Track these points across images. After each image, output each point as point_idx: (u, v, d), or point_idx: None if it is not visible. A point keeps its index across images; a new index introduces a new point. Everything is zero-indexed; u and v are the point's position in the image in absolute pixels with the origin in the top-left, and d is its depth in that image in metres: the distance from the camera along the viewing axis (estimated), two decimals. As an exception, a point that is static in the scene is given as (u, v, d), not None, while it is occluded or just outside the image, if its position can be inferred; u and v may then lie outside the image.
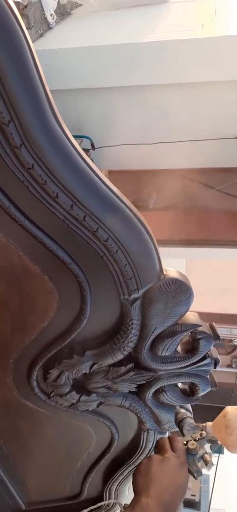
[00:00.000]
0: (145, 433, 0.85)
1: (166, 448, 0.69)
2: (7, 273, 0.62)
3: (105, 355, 0.70)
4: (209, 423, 0.71)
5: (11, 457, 0.94)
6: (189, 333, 0.71)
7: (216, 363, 0.75)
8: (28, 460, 0.97)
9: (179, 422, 0.74)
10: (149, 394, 0.79)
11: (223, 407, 0.73)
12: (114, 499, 0.98)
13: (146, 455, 0.83)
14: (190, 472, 0.70)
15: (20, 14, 0.44)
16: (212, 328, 0.72)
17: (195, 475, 0.70)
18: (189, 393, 0.82)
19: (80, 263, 0.60)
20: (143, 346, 0.69)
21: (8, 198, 0.52)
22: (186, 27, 1.93)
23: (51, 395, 0.79)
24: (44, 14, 2.15)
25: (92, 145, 2.18)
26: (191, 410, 0.84)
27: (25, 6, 1.95)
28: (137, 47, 1.90)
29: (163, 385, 0.78)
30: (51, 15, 2.18)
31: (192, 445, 0.70)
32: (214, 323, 0.73)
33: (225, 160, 2.22)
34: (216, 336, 0.71)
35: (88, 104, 2.18)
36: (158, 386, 0.78)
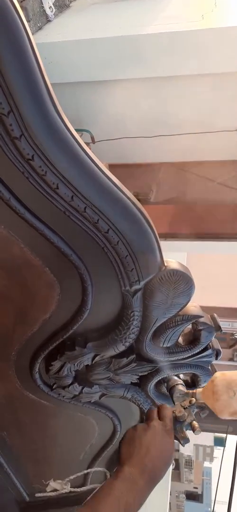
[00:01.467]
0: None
1: (153, 417, 0.67)
2: (8, 265, 0.62)
3: (107, 346, 0.70)
4: (199, 389, 0.71)
5: (14, 449, 0.95)
6: (191, 324, 0.71)
7: (217, 354, 0.75)
8: (31, 452, 0.98)
9: (170, 390, 0.74)
10: (151, 385, 0.80)
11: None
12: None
13: None
14: (176, 439, 0.69)
15: (19, 7, 0.43)
16: (213, 319, 0.72)
17: (182, 442, 0.70)
18: (191, 384, 0.82)
19: (81, 255, 0.60)
20: (145, 337, 0.69)
21: (8, 190, 0.52)
22: (186, 18, 1.92)
23: (54, 387, 0.79)
24: (43, 6, 2.14)
25: (92, 138, 2.18)
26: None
27: (24, -1, 1.94)
28: (137, 39, 1.88)
29: (165, 376, 0.78)
30: (50, 8, 2.16)
31: (179, 412, 0.69)
32: (215, 314, 0.73)
33: (226, 153, 2.21)
34: (218, 327, 0.71)
35: (88, 97, 2.17)
36: (160, 377, 0.79)
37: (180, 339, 0.73)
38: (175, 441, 0.70)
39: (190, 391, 0.72)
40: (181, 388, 0.73)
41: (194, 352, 0.73)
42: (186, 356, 0.74)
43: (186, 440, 0.69)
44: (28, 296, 0.66)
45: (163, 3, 2.20)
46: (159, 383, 0.81)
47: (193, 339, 0.73)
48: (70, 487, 0.86)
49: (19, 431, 0.92)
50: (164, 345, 0.72)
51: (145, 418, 0.70)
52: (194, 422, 0.69)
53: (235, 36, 1.79)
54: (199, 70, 1.92)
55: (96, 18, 2.22)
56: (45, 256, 0.61)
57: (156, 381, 0.79)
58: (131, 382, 0.79)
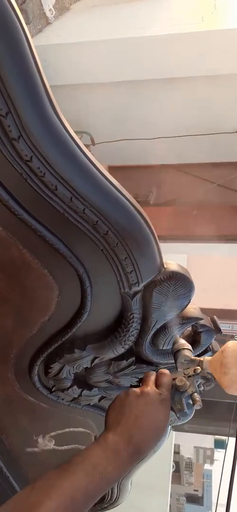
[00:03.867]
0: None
1: (149, 382, 0.60)
2: (7, 267, 0.62)
3: (106, 349, 0.70)
4: (207, 358, 0.62)
5: (13, 452, 0.95)
6: (191, 327, 0.70)
7: (217, 356, 0.74)
8: (30, 454, 0.98)
9: (175, 353, 0.65)
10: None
11: (227, 402, 0.71)
12: (117, 493, 0.98)
13: None
14: (173, 410, 0.60)
15: (19, 9, 0.43)
16: (213, 321, 0.72)
17: (178, 415, 0.61)
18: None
19: (80, 257, 0.59)
20: (144, 339, 0.69)
21: (7, 191, 0.52)
22: (186, 20, 1.92)
23: (53, 390, 0.79)
24: (43, 9, 2.14)
25: (92, 140, 2.18)
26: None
27: (24, 1, 1.94)
28: (137, 42, 1.89)
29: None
30: (50, 10, 2.17)
31: (180, 381, 0.60)
32: (215, 317, 0.73)
33: (225, 154, 2.21)
34: (217, 330, 0.71)
35: (88, 100, 2.17)
36: (160, 380, 0.78)
37: (180, 342, 0.73)
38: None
39: (197, 358, 0.63)
40: (187, 353, 0.64)
41: (194, 355, 0.73)
42: (186, 358, 0.73)
43: (183, 413, 0.61)
44: (27, 298, 0.66)
45: (163, 6, 2.21)
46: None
47: (193, 341, 0.73)
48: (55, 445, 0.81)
49: (18, 434, 0.91)
50: (164, 347, 0.71)
51: (141, 382, 0.62)
52: (195, 394, 0.60)
53: (235, 38, 1.79)
54: (199, 72, 1.92)
55: (96, 20, 2.23)
56: (44, 258, 0.60)
57: (155, 383, 0.79)
58: (131, 384, 0.79)
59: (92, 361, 0.73)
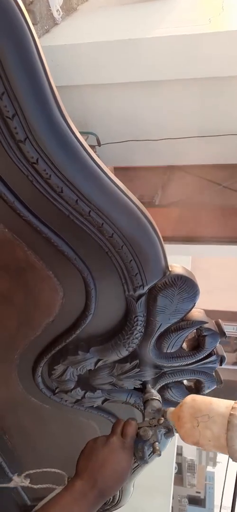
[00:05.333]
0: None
1: (116, 431, 0.66)
2: (11, 268, 0.62)
3: (110, 351, 0.70)
4: (170, 409, 0.66)
5: (16, 452, 0.95)
6: (195, 330, 0.70)
7: (222, 360, 0.74)
8: (33, 455, 0.98)
9: (145, 402, 0.71)
10: (151, 383, 0.79)
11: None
12: (119, 495, 0.98)
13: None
14: (135, 457, 0.65)
15: (26, 10, 0.43)
16: (218, 325, 0.71)
17: (139, 462, 0.66)
18: (195, 390, 0.81)
19: (84, 259, 0.59)
20: (148, 342, 0.69)
21: (12, 193, 0.52)
22: (193, 22, 1.92)
23: (56, 391, 0.79)
24: (50, 9, 2.15)
25: (98, 141, 2.18)
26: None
27: (31, 2, 1.94)
28: (144, 43, 1.88)
29: (168, 382, 0.78)
30: (57, 11, 2.17)
31: (143, 431, 0.65)
32: (220, 320, 0.73)
33: (231, 156, 2.20)
34: (222, 333, 0.70)
35: (94, 100, 2.17)
36: (164, 383, 0.78)
37: (184, 345, 0.73)
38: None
39: (163, 409, 0.68)
40: (155, 404, 0.70)
41: (198, 358, 0.73)
42: (190, 362, 0.73)
43: (143, 461, 0.66)
44: (31, 299, 0.66)
45: (170, 7, 2.20)
46: (162, 389, 0.80)
47: (197, 345, 0.72)
48: (30, 483, 0.84)
49: (21, 434, 0.92)
50: (168, 351, 0.71)
51: (111, 430, 0.68)
52: (155, 443, 0.64)
53: (242, 40, 1.78)
54: (206, 73, 1.92)
55: (103, 21, 2.23)
56: (49, 259, 0.60)
57: (159, 386, 0.78)
58: (134, 387, 0.78)
59: (96, 363, 0.73)
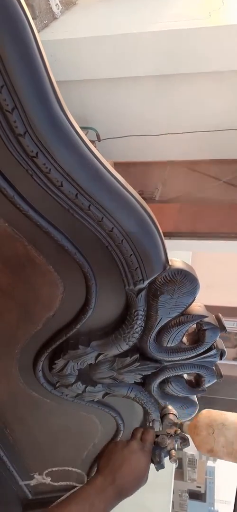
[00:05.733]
0: (151, 424, 0.85)
1: (136, 436, 0.72)
2: (12, 263, 0.62)
3: (110, 345, 0.70)
4: (187, 422, 0.73)
5: (17, 446, 0.95)
6: (195, 324, 0.70)
7: (222, 354, 0.74)
8: (34, 449, 0.98)
9: (162, 417, 0.78)
10: (155, 385, 0.79)
11: (229, 400, 0.73)
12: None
13: None
14: (152, 462, 0.72)
15: (25, 4, 0.43)
16: (218, 319, 0.71)
17: (156, 466, 0.72)
18: (195, 384, 0.81)
19: (85, 253, 0.59)
20: (149, 336, 0.69)
21: (12, 187, 0.51)
22: (193, 16, 1.91)
23: (57, 386, 0.79)
24: (49, 4, 2.14)
25: (98, 136, 2.17)
26: (197, 401, 0.84)
27: (30, -4, 1.93)
28: (143, 37, 1.87)
29: (169, 376, 0.78)
30: (56, 5, 2.16)
31: (161, 439, 0.72)
32: (220, 314, 0.73)
33: (232, 151, 2.19)
34: (222, 327, 0.71)
35: (94, 95, 2.16)
36: (164, 377, 0.78)
37: (184, 339, 0.73)
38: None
39: (179, 421, 0.75)
40: (172, 417, 0.76)
41: (198, 352, 0.73)
42: (190, 356, 0.73)
43: (160, 465, 0.72)
44: (32, 294, 0.66)
45: (169, 0, 2.19)
46: (162, 383, 0.80)
47: (197, 339, 0.72)
48: (73, 485, 0.87)
49: (22, 429, 0.92)
50: (168, 345, 0.71)
51: (131, 435, 0.73)
52: (172, 451, 0.71)
53: (243, 34, 1.77)
54: (206, 68, 1.91)
55: (102, 15, 2.22)
56: (49, 254, 0.60)
57: (159, 380, 0.79)
58: (135, 381, 0.79)
59: (96, 357, 0.73)
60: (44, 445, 0.97)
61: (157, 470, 0.73)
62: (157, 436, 0.73)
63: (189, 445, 0.74)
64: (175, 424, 0.75)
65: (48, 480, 0.85)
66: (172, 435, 0.73)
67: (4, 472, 0.98)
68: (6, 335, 0.73)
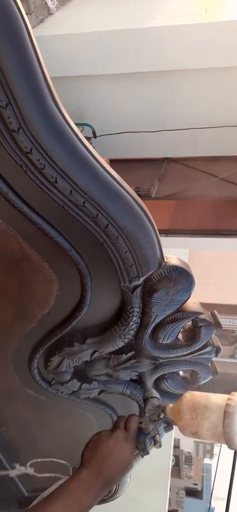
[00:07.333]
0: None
1: (119, 425, 0.71)
2: (6, 260, 0.62)
3: (106, 342, 0.70)
4: (169, 405, 0.72)
5: (13, 444, 0.95)
6: (191, 321, 0.70)
7: (217, 351, 0.74)
8: (30, 447, 0.98)
9: (145, 400, 0.76)
10: (151, 382, 0.79)
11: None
12: (116, 486, 0.98)
13: None
14: (137, 448, 0.72)
15: (20, -1, 0.43)
16: (213, 316, 0.72)
17: (141, 453, 0.73)
18: (190, 381, 0.81)
19: (80, 250, 0.59)
20: (144, 333, 0.69)
21: (6, 183, 0.51)
22: (190, 12, 1.90)
23: (52, 383, 0.79)
24: None
25: (94, 133, 2.16)
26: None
27: (26, -8, 1.92)
28: (140, 33, 1.87)
29: (165, 373, 0.78)
30: (51, 1, 2.15)
31: (145, 425, 0.72)
32: (215, 311, 0.73)
33: (228, 148, 2.19)
34: (218, 324, 0.71)
35: (90, 92, 2.16)
36: (160, 374, 0.78)
37: (180, 336, 0.73)
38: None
39: (162, 405, 0.74)
40: (155, 401, 0.75)
41: (194, 349, 0.73)
42: (186, 352, 0.73)
43: (145, 452, 0.72)
44: (26, 291, 0.66)
45: (166, -3, 2.18)
46: (158, 380, 0.80)
47: (193, 336, 0.72)
48: (35, 472, 0.87)
49: (18, 426, 0.92)
50: (164, 342, 0.71)
51: (113, 425, 0.73)
52: (156, 436, 0.71)
53: (239, 31, 1.77)
54: (202, 64, 1.91)
55: (98, 11, 2.21)
56: (43, 251, 0.60)
57: (155, 377, 0.79)
58: (130, 378, 0.79)
59: (92, 354, 0.73)
60: (40, 443, 0.97)
61: (142, 457, 0.73)
62: (140, 423, 0.73)
63: (172, 428, 0.74)
64: (158, 407, 0.74)
65: (31, 471, 0.84)
66: (155, 420, 0.72)
67: (1, 470, 0.98)
68: (0, 333, 0.73)
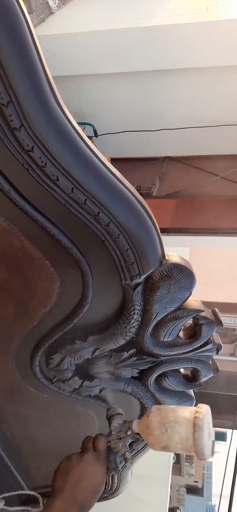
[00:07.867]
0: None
1: (88, 447, 0.69)
2: (8, 258, 0.62)
3: (107, 340, 0.70)
4: (135, 421, 0.72)
5: (15, 442, 0.95)
6: (192, 319, 0.70)
7: (218, 348, 0.75)
8: (31, 444, 0.98)
9: (109, 418, 0.76)
10: (152, 379, 0.79)
11: (226, 395, 0.72)
12: (117, 483, 0.99)
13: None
14: (108, 468, 0.70)
15: (21, -2, 0.43)
16: (214, 313, 0.72)
17: (113, 472, 0.71)
18: (191, 378, 0.82)
19: (81, 248, 0.59)
20: (145, 331, 0.69)
21: (8, 181, 0.51)
22: (190, 10, 1.90)
23: (54, 381, 0.79)
24: (46, -2, 2.12)
25: (95, 132, 2.17)
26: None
27: (27, -9, 1.92)
28: (141, 32, 1.87)
29: (166, 370, 0.78)
30: (52, 0, 2.15)
31: (114, 444, 0.71)
32: (216, 309, 0.73)
33: (229, 147, 2.19)
34: (218, 322, 0.71)
35: (91, 91, 2.16)
36: (161, 372, 0.78)
37: (181, 334, 0.73)
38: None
39: (128, 421, 0.73)
40: (119, 418, 0.75)
41: (195, 347, 0.73)
42: (187, 350, 0.74)
43: (117, 471, 0.71)
44: (28, 289, 0.66)
45: (167, -5, 2.18)
46: (159, 377, 0.80)
47: (194, 334, 0.73)
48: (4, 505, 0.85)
49: (20, 424, 0.92)
50: (165, 339, 0.71)
51: (81, 447, 0.71)
52: (126, 453, 0.71)
53: (240, 29, 1.77)
54: (202, 63, 1.90)
55: (99, 10, 2.21)
56: (45, 249, 0.60)
57: (156, 375, 0.79)
58: (132, 376, 0.79)
59: (93, 352, 0.73)
60: (42, 440, 0.97)
61: (114, 475, 0.73)
62: (108, 441, 0.71)
63: (141, 444, 0.74)
64: (123, 423, 0.73)
65: (1, 505, 0.83)
66: (123, 437, 0.71)
67: (2, 468, 0.98)
68: (2, 330, 0.73)
